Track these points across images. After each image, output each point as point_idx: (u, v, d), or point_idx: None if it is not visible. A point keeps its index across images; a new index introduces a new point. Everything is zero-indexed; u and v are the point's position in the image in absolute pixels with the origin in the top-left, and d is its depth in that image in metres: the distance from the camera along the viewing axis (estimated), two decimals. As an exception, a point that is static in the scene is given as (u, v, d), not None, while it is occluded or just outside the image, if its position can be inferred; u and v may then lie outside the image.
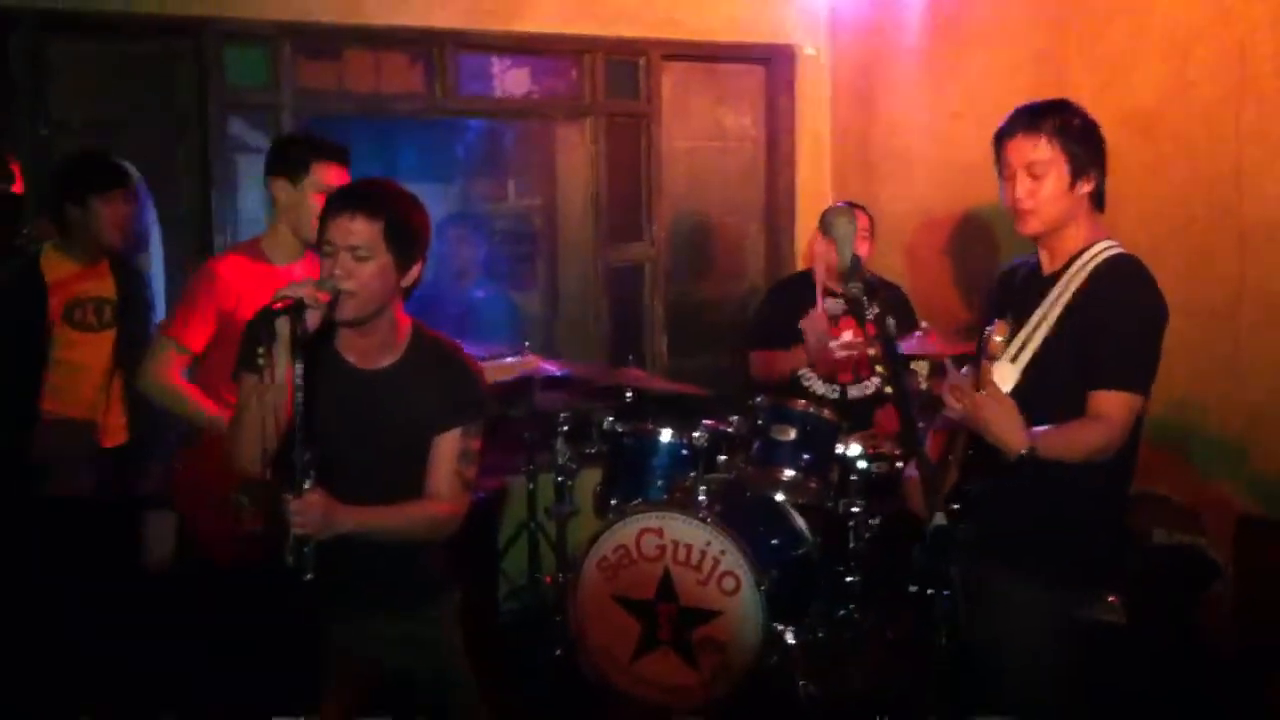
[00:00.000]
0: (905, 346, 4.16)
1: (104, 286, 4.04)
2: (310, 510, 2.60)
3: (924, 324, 4.41)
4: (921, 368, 4.25)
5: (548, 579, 4.85)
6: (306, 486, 2.60)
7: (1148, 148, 4.25)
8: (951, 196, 5.06)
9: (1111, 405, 2.77)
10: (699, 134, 5.84)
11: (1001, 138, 2.93)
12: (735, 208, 5.96)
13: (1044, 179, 2.85)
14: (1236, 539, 3.98)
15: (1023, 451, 2.66)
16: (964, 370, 2.89)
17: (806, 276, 4.73)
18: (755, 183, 5.94)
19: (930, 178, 5.24)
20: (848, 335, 4.56)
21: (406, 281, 2.81)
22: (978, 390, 2.69)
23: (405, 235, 2.75)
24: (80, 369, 3.99)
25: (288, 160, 3.53)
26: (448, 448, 2.88)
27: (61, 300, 3.95)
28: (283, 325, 2.56)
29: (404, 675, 2.95)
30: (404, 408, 2.83)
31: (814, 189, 5.78)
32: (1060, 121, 2.86)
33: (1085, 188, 2.86)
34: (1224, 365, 4.05)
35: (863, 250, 4.40)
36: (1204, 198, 4.11)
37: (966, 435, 2.88)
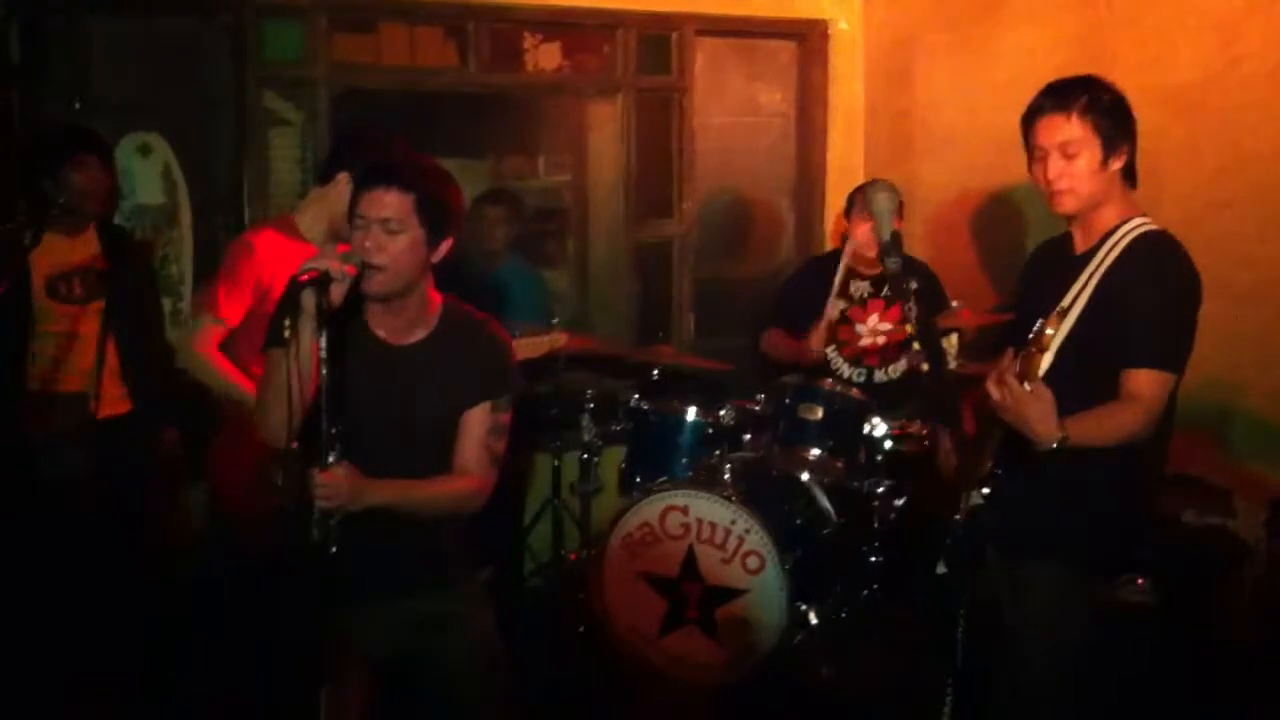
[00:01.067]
0: (939, 322, 4.15)
1: (92, 258, 4.03)
2: (335, 484, 2.62)
3: (955, 302, 4.39)
4: (951, 344, 4.24)
5: (572, 556, 4.86)
6: (331, 460, 2.62)
7: (1188, 126, 4.20)
8: (986, 173, 5.00)
9: (1144, 384, 2.74)
10: (731, 110, 5.80)
11: (1031, 117, 2.89)
12: (766, 184, 5.92)
13: (1077, 158, 2.81)
14: (1270, 520, 3.95)
15: (1054, 444, 2.65)
16: (1010, 359, 2.86)
17: (837, 256, 4.70)
18: (787, 159, 5.89)
19: (964, 154, 5.19)
20: (874, 319, 4.53)
21: (437, 257, 2.81)
22: (1022, 382, 2.66)
23: (437, 210, 2.75)
24: (72, 340, 3.99)
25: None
26: (476, 422, 2.89)
27: (43, 276, 3.94)
28: (308, 298, 2.57)
29: (431, 656, 2.94)
30: (434, 382, 2.84)
31: (846, 166, 5.73)
32: (1090, 98, 2.81)
33: (1117, 164, 2.82)
34: (1260, 347, 4.01)
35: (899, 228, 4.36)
36: (1244, 178, 4.06)
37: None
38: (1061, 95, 2.84)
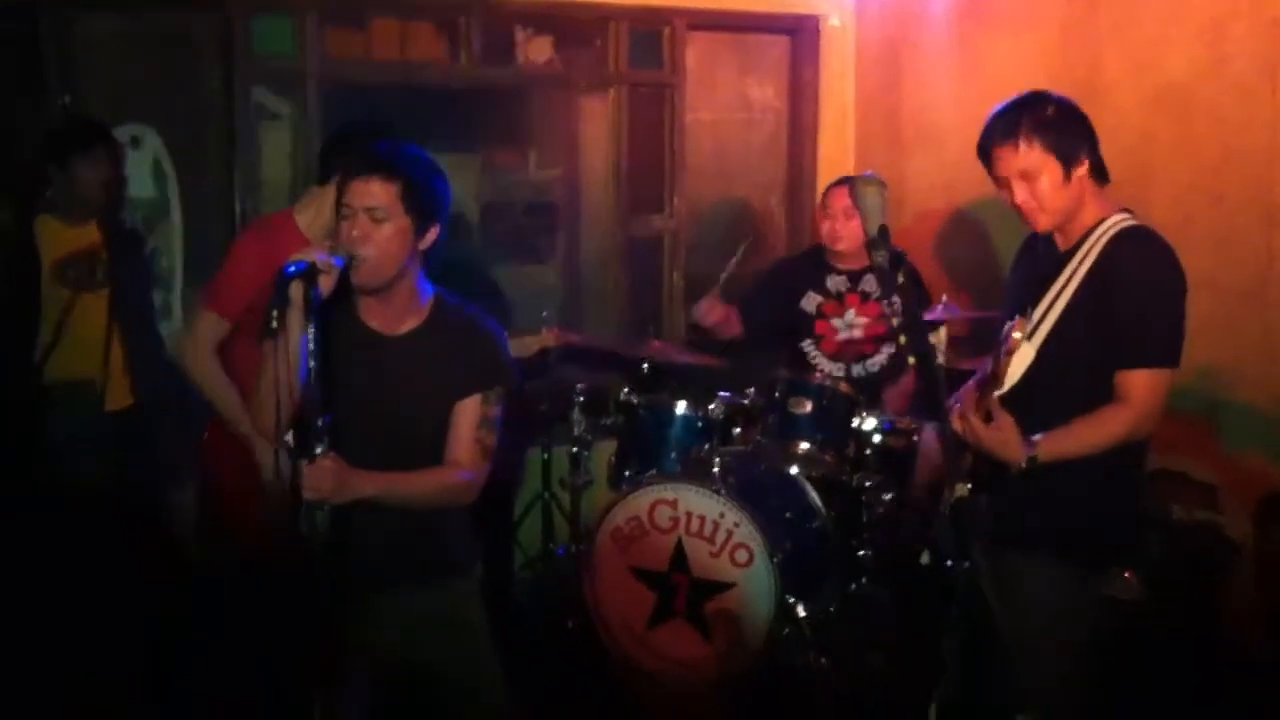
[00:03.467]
0: (927, 317, 4.17)
1: (95, 246, 4.06)
2: (323, 475, 2.61)
3: (944, 297, 4.40)
4: (939, 338, 4.25)
5: (561, 550, 4.86)
6: (319, 451, 2.61)
7: (1179, 125, 4.22)
8: (975, 170, 4.94)
9: (1136, 384, 2.75)
10: (722, 105, 5.80)
11: (983, 152, 2.91)
12: (758, 180, 5.93)
13: (1038, 179, 2.82)
14: (1258, 516, 3.96)
15: (1023, 465, 2.69)
16: (979, 373, 2.88)
17: (817, 253, 4.71)
18: (778, 155, 5.90)
19: (956, 151, 5.18)
20: (851, 313, 4.54)
21: (424, 244, 2.81)
22: (984, 415, 2.71)
23: (423, 198, 2.75)
24: (82, 327, 4.02)
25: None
26: (468, 414, 2.88)
27: (52, 261, 3.98)
28: (295, 290, 2.57)
29: (425, 654, 2.95)
30: (425, 374, 2.84)
31: (837, 162, 5.72)
32: (1033, 120, 2.81)
33: (1080, 170, 2.82)
34: (1253, 342, 4.02)
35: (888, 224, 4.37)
36: (1235, 175, 4.07)
37: None
38: (1005, 125, 2.85)
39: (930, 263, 4.87)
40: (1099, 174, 2.87)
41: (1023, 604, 2.96)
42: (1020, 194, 2.84)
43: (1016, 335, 2.66)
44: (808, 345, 4.60)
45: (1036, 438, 2.71)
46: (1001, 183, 2.88)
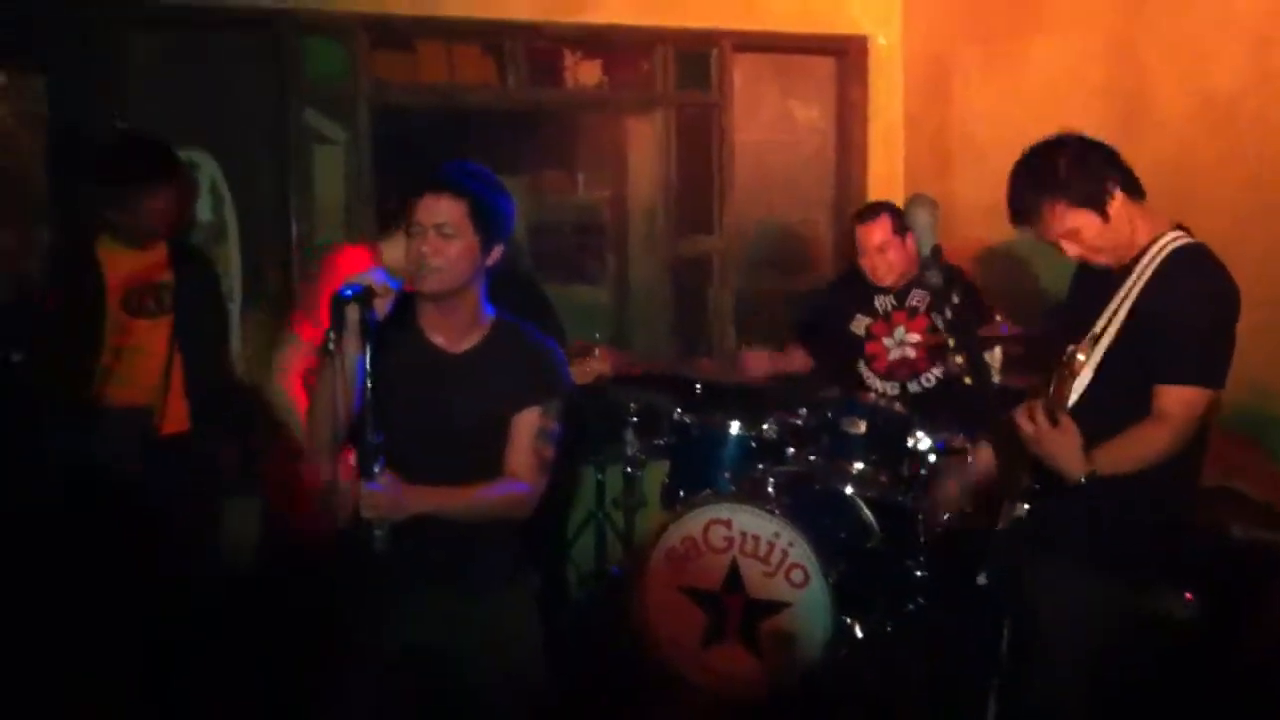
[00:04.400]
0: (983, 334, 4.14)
1: (162, 271, 4.07)
2: (379, 494, 2.64)
3: (998, 316, 4.37)
4: (994, 358, 4.23)
5: (615, 569, 4.86)
6: (377, 470, 2.64)
7: (1225, 136, 4.19)
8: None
9: (1173, 401, 2.74)
10: (769, 126, 5.80)
11: (1016, 222, 2.94)
12: (805, 200, 5.92)
13: (1080, 234, 2.83)
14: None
15: (1082, 479, 2.66)
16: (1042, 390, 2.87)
17: (861, 273, 4.70)
18: (826, 175, 5.89)
19: (1002, 168, 5.15)
20: (900, 330, 4.52)
21: (490, 261, 2.86)
22: (1051, 416, 2.68)
23: (489, 216, 2.81)
24: (140, 354, 4.02)
25: None
26: (526, 426, 2.91)
27: (120, 288, 3.98)
28: (352, 312, 2.61)
29: (474, 658, 2.96)
30: (485, 387, 2.88)
31: (886, 181, 5.72)
32: (1049, 183, 2.83)
33: (1116, 203, 2.81)
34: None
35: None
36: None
37: None
38: (1025, 199, 2.89)
39: (979, 280, 4.84)
40: (1134, 192, 2.85)
41: (1058, 613, 2.95)
42: (1072, 250, 2.87)
43: (1080, 358, 2.65)
44: (861, 366, 4.59)
45: (1092, 452, 2.70)
46: (1050, 241, 2.90)
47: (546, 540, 4.77)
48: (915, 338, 4.50)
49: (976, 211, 5.26)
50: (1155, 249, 2.81)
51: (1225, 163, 4.16)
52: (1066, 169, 2.82)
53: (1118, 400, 2.79)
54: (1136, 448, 2.75)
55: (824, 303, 4.88)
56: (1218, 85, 4.22)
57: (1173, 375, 2.74)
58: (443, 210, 2.75)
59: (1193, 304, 2.75)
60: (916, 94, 5.76)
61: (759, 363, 4.59)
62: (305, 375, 3.43)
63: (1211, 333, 2.77)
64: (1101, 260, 2.88)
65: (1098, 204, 2.79)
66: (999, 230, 5.16)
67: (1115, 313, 2.83)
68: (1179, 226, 2.86)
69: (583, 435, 4.77)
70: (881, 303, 4.57)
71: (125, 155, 4.04)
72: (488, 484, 2.88)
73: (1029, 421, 2.71)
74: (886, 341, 4.54)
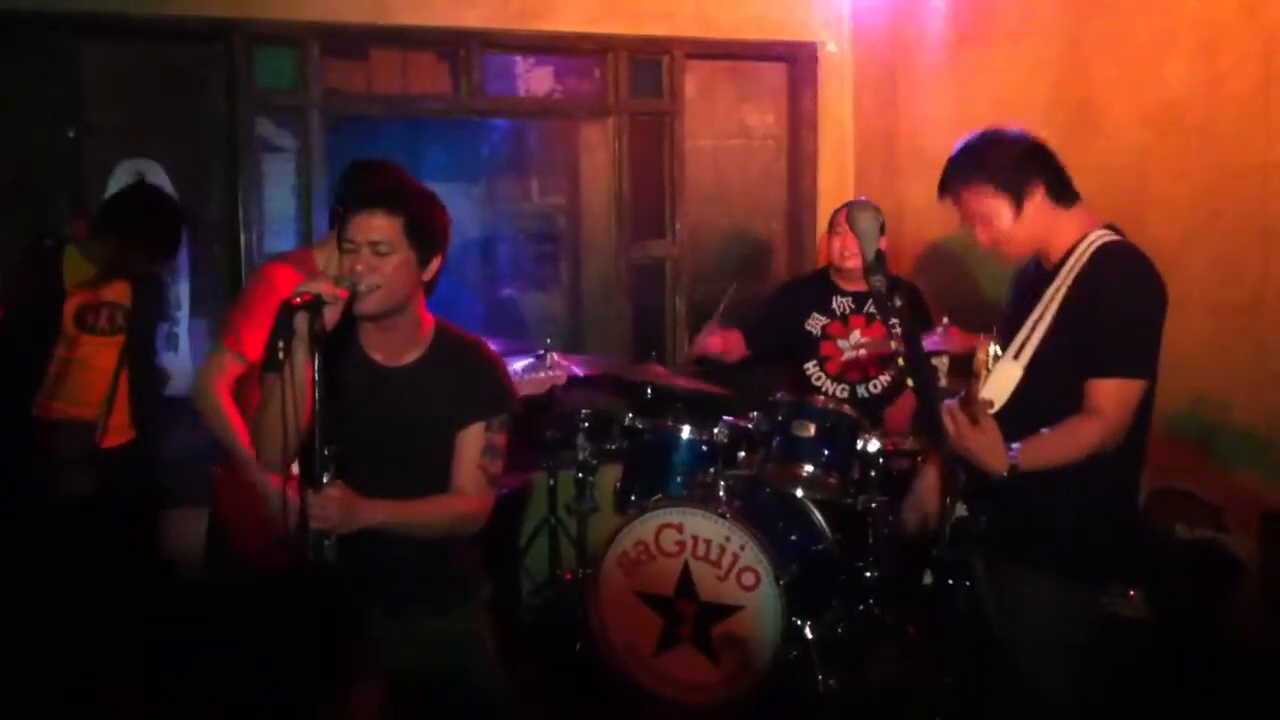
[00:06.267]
0: (926, 342, 4.19)
1: (120, 293, 4.07)
2: (329, 504, 2.64)
3: (944, 320, 4.43)
4: (942, 364, 4.28)
5: (568, 575, 4.87)
6: (326, 481, 2.64)
7: (1173, 143, 4.23)
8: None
9: (1105, 394, 2.77)
10: (722, 132, 5.85)
11: (942, 197, 3.00)
12: (757, 206, 5.96)
13: (993, 220, 2.89)
14: (1263, 534, 3.97)
15: (1004, 474, 2.71)
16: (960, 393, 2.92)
17: (822, 275, 4.77)
18: (777, 181, 5.93)
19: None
20: (856, 334, 4.58)
21: (426, 276, 2.84)
22: (973, 409, 2.72)
23: (424, 230, 2.79)
24: (90, 370, 4.03)
25: None
26: (472, 443, 2.90)
27: (76, 303, 3.98)
28: (301, 321, 2.60)
29: (434, 675, 2.95)
30: (429, 403, 2.86)
31: (836, 187, 5.77)
32: (975, 163, 2.90)
33: (1034, 200, 2.87)
34: (1249, 360, 4.03)
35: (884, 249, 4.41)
36: (1230, 193, 4.08)
37: None
38: (951, 173, 2.96)
39: (928, 287, 4.89)
40: (1061, 196, 2.91)
41: (1021, 621, 2.97)
42: (983, 236, 2.93)
43: (980, 356, 2.71)
44: (811, 366, 4.64)
45: (1016, 446, 2.74)
46: (964, 224, 2.96)
47: (499, 547, 4.77)
48: (869, 341, 4.55)
49: (926, 218, 5.32)
50: (1082, 247, 2.86)
51: (1173, 171, 4.21)
52: (996, 155, 2.88)
53: (1050, 397, 2.82)
54: (1066, 441, 2.79)
55: (780, 300, 4.94)
56: (1165, 93, 4.27)
57: (1102, 369, 2.78)
58: (377, 227, 2.73)
59: (1118, 298, 2.79)
60: (866, 101, 5.81)
61: (713, 335, 4.60)
62: (234, 387, 3.44)
63: (1138, 325, 2.81)
64: (1011, 252, 2.94)
65: (1015, 196, 2.85)
66: (949, 237, 5.26)
67: (1044, 313, 2.88)
68: (1109, 226, 2.91)
69: (535, 441, 4.79)
70: (840, 304, 4.62)
71: (130, 202, 4.08)
72: (436, 498, 2.88)
73: (950, 421, 2.76)
74: (841, 343, 4.59)
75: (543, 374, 4.36)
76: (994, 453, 2.71)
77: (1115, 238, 2.88)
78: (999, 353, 2.92)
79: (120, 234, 3.94)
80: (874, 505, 4.18)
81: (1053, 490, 2.81)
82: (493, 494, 2.94)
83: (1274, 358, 3.96)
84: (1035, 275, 2.99)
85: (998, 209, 2.86)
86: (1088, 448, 2.77)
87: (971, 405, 2.69)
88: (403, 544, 2.82)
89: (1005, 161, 2.87)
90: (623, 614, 4.08)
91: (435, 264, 2.84)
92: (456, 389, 2.89)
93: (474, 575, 3.06)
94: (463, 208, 5.66)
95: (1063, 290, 2.85)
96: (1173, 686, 3.71)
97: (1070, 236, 2.89)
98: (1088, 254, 2.85)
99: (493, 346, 3.03)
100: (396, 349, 2.88)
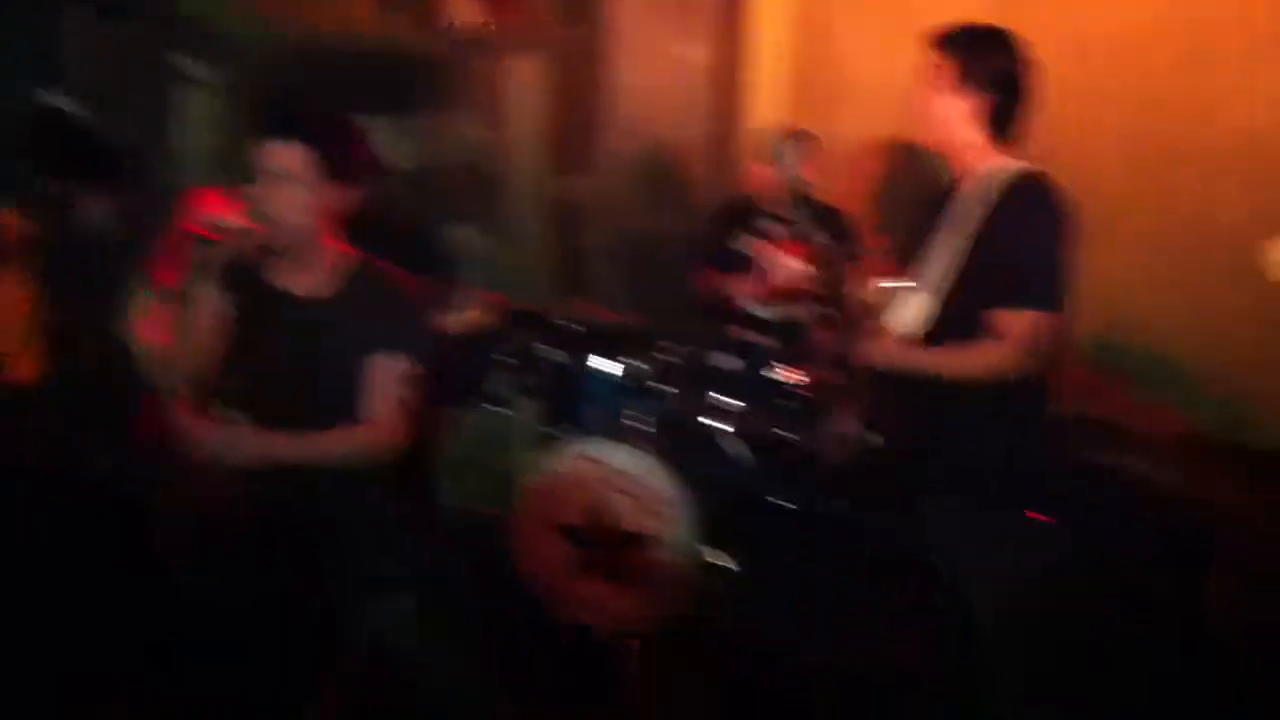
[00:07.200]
0: (850, 270, 4.21)
1: (26, 224, 4.02)
2: (235, 437, 2.65)
3: (870, 249, 4.45)
4: (868, 292, 4.30)
5: (488, 510, 4.88)
6: (230, 414, 2.65)
7: (1104, 80, 4.26)
8: (905, 124, 5.04)
9: (1011, 324, 2.81)
10: (651, 63, 5.79)
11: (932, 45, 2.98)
12: (687, 137, 5.92)
13: (932, 104, 2.93)
14: (1178, 459, 4.05)
15: (883, 364, 2.75)
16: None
17: (747, 199, 4.77)
18: (707, 114, 5.90)
19: (886, 108, 5.23)
20: (783, 259, 4.57)
21: (339, 207, 2.83)
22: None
23: (335, 160, 2.77)
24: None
25: None
26: (385, 373, 2.91)
27: None
28: (212, 254, 2.59)
29: (374, 615, 3.00)
30: (341, 334, 2.87)
31: (767, 117, 5.75)
32: (967, 39, 2.93)
33: (978, 103, 2.89)
34: (1167, 291, 4.09)
35: (811, 177, 4.42)
36: (1148, 123, 4.12)
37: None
38: (950, 35, 2.96)
39: (860, 215, 4.91)
40: (998, 124, 2.92)
41: (940, 546, 3.03)
42: (915, 97, 2.94)
43: (874, 287, 2.74)
44: (740, 290, 4.66)
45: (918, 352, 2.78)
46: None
47: (420, 485, 4.78)
48: (799, 265, 4.56)
49: (857, 146, 5.33)
50: (994, 174, 2.88)
51: (1103, 102, 4.24)
52: (981, 46, 2.92)
53: (961, 323, 2.86)
54: (967, 358, 2.83)
55: (710, 226, 4.94)
56: (1097, 29, 4.29)
57: (1011, 299, 2.81)
58: (283, 155, 2.72)
59: (1030, 229, 2.82)
60: (799, 30, 5.77)
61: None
62: (159, 321, 3.41)
63: (1049, 257, 2.84)
64: (922, 134, 2.98)
65: (972, 81, 2.87)
66: (881, 164, 5.28)
67: (954, 240, 2.90)
68: (1023, 157, 2.93)
69: (455, 377, 4.77)
70: (767, 229, 4.61)
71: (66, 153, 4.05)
72: (346, 429, 2.89)
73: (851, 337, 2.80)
74: (769, 268, 4.59)
75: (464, 309, 4.35)
76: (889, 357, 2.75)
77: (1028, 168, 2.90)
78: (908, 284, 2.95)
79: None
80: (795, 438, 4.23)
81: (962, 416, 2.85)
82: (405, 424, 2.95)
83: (1192, 287, 4.04)
84: (943, 199, 3.02)
85: (948, 85, 2.88)
86: (987, 369, 2.81)
87: (862, 315, 2.72)
88: (324, 481, 2.83)
89: (980, 55, 2.90)
90: (542, 546, 4.10)
91: (349, 195, 2.83)
92: (373, 320, 2.89)
93: (397, 519, 3.09)
94: (388, 141, 5.60)
95: (974, 217, 2.87)
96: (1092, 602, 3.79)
97: (985, 163, 2.91)
98: (1001, 185, 2.87)
99: (413, 281, 3.02)
100: (309, 280, 2.88)
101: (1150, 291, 4.10)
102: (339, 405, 2.90)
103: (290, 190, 2.74)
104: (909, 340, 2.87)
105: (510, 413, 4.72)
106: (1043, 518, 3.72)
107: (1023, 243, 2.82)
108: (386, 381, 2.92)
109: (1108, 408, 4.15)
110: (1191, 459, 4.03)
